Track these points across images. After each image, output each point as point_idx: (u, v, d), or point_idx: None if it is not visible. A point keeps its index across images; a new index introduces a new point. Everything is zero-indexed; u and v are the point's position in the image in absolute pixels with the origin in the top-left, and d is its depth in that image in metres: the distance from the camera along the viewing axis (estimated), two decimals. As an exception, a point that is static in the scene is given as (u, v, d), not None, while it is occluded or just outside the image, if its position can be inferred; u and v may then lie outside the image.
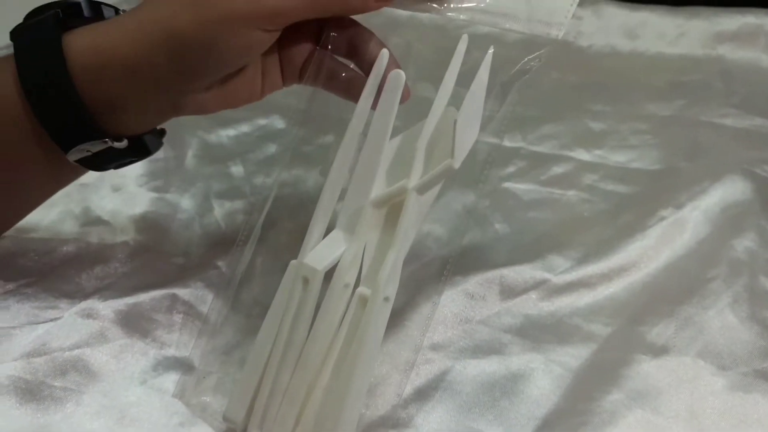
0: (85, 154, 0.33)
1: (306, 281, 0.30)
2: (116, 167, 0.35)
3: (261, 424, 0.30)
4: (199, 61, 0.31)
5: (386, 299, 0.30)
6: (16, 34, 0.32)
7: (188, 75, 0.32)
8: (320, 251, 0.31)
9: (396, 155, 0.32)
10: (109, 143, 0.33)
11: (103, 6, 0.34)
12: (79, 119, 0.32)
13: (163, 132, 0.37)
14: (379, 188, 0.32)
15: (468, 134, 0.31)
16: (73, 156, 0.33)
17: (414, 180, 0.31)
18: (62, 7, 0.33)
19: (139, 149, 0.35)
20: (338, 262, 0.31)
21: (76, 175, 0.36)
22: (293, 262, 0.31)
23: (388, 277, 0.30)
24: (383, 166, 0.32)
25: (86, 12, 0.34)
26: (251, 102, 0.35)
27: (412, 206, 0.30)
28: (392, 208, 0.31)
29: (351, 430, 0.29)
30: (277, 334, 0.30)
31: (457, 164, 0.30)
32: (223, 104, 0.34)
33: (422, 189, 0.31)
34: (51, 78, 0.31)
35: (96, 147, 0.33)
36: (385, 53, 0.32)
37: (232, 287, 0.34)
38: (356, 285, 0.31)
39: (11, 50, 0.32)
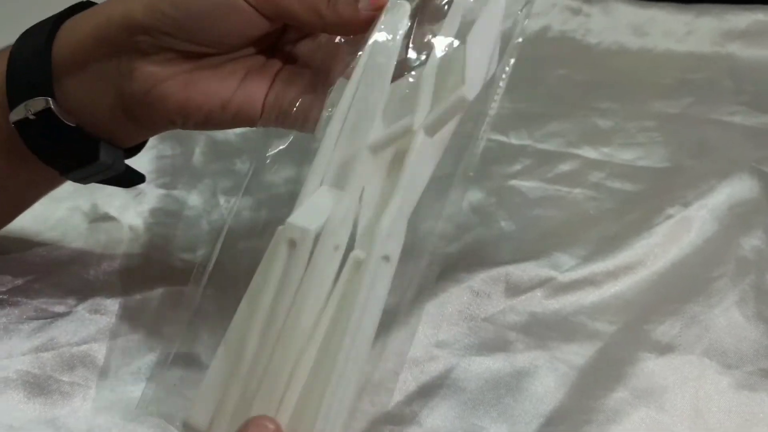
0: (27, 114, 0.31)
1: (293, 245, 0.25)
2: (64, 168, 0.32)
3: (234, 412, 0.25)
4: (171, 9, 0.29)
5: (386, 258, 0.25)
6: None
7: (156, 26, 0.29)
8: (309, 209, 0.26)
9: (398, 99, 0.27)
10: (50, 104, 0.30)
11: None
12: (39, 71, 0.31)
13: (133, 173, 0.35)
14: (377, 133, 0.27)
15: (482, 59, 0.26)
16: (16, 115, 0.31)
17: (420, 117, 0.26)
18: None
19: (87, 146, 0.32)
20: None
21: (49, 181, 0.35)
22: (280, 227, 0.26)
23: (388, 232, 0.25)
24: (382, 111, 0.27)
25: None
26: (213, 115, 0.31)
27: (419, 148, 0.25)
28: (395, 155, 0.26)
29: (340, 413, 0.24)
30: (260, 309, 0.25)
31: (470, 94, 0.25)
32: (186, 90, 0.30)
33: (431, 128, 0.26)
34: (33, 48, 0.31)
35: (36, 106, 0.30)
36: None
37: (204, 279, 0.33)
38: (350, 248, 0.26)
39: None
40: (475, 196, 0.44)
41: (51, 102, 0.30)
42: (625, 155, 0.47)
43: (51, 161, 0.32)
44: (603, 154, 0.47)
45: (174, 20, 0.29)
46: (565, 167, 0.46)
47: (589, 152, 0.48)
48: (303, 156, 0.39)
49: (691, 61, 0.56)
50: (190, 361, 0.34)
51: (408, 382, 0.33)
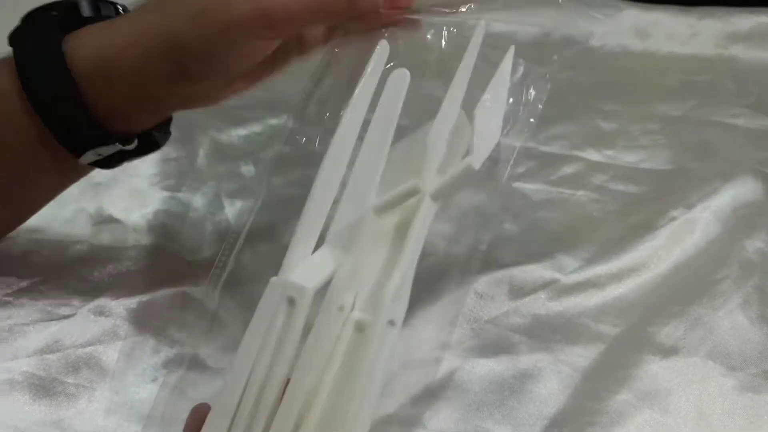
0: (97, 157, 0.33)
1: (292, 302, 0.25)
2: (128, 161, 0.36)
3: None
4: (200, 69, 0.31)
5: (391, 323, 0.25)
6: (14, 40, 0.32)
7: (189, 81, 0.32)
8: (308, 268, 0.26)
9: (398, 162, 0.28)
10: (119, 147, 0.33)
11: (101, 3, 0.34)
12: (89, 127, 0.32)
13: (169, 120, 0.37)
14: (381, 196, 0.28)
15: (489, 131, 0.27)
16: (86, 159, 0.33)
17: (428, 179, 0.26)
18: (61, 8, 0.32)
19: (148, 145, 0.35)
20: (330, 281, 0.26)
21: (82, 174, 0.36)
22: (273, 279, 0.26)
23: (394, 297, 0.25)
24: (382, 174, 0.28)
25: (86, 12, 0.33)
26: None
27: (425, 214, 0.26)
28: (398, 217, 0.27)
29: None
30: (255, 367, 0.25)
31: (477, 164, 0.26)
32: (227, 92, 0.35)
33: (437, 194, 0.27)
34: (58, 91, 0.31)
35: (107, 151, 0.33)
36: (384, 45, 0.30)
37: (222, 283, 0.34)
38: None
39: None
40: (478, 198, 0.44)
41: (120, 145, 0.33)
42: (629, 157, 0.47)
43: (116, 166, 0.35)
44: (606, 156, 0.48)
45: (199, 73, 0.31)
46: (568, 169, 0.47)
47: (593, 155, 0.48)
48: (310, 158, 0.39)
49: (695, 64, 0.56)
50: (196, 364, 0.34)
51: (412, 385, 0.33)
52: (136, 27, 0.31)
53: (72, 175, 0.36)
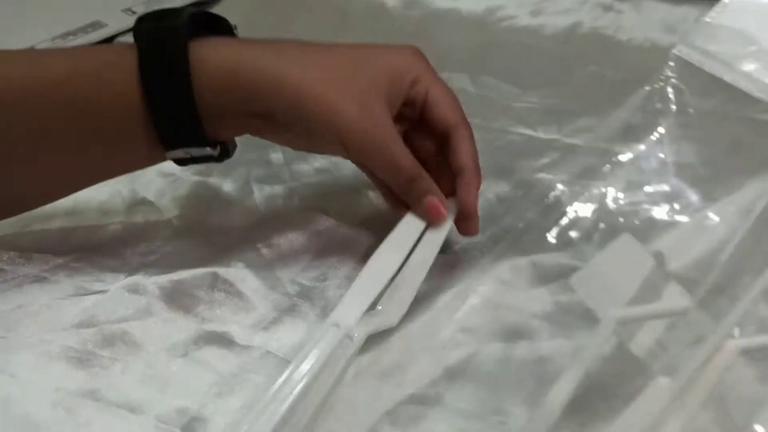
0: (185, 155, 0.35)
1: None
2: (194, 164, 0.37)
3: None
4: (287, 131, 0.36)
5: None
6: (142, 34, 0.33)
7: (280, 129, 0.36)
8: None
9: None
10: (209, 151, 0.35)
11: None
12: (192, 128, 0.34)
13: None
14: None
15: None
16: (173, 155, 0.35)
17: (342, 313, 0.33)
18: (190, 15, 0.34)
19: (222, 153, 0.37)
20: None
21: (153, 162, 0.38)
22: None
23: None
24: None
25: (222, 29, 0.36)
26: None
27: (343, 352, 0.32)
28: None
29: None
30: None
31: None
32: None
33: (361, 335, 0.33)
34: (174, 87, 0.33)
35: (197, 152, 0.35)
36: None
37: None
38: None
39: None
40: (501, 188, 0.45)
41: (210, 150, 0.35)
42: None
43: (187, 164, 0.37)
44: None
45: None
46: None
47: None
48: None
49: (724, 59, 0.55)
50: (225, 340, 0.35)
51: (432, 365, 0.34)
52: (275, 52, 0.34)
53: (144, 161, 0.37)
